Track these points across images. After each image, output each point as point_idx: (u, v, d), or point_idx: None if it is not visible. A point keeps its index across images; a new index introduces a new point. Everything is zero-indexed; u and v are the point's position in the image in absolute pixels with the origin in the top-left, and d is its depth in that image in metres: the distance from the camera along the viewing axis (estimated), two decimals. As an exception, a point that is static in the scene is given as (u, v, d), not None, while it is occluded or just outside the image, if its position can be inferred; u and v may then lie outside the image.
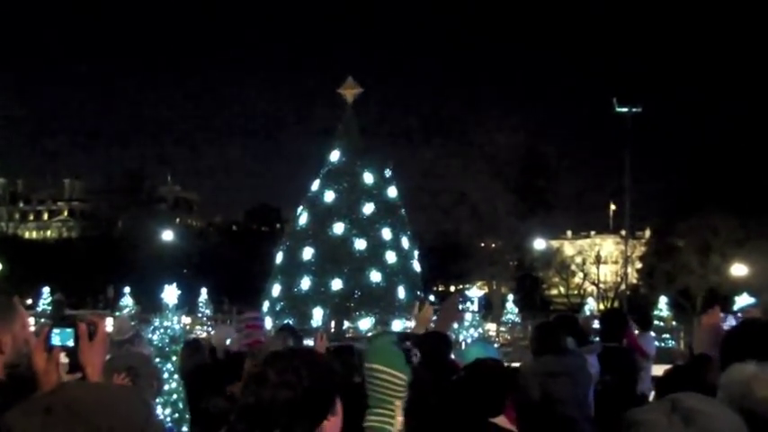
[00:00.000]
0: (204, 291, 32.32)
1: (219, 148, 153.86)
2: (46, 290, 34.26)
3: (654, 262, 45.95)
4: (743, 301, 22.73)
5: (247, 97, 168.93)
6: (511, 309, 33.41)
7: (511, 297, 35.54)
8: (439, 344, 4.64)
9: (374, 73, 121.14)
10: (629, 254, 38.22)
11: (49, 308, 32.23)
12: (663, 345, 21.29)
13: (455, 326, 17.86)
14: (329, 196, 23.72)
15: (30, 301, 32.22)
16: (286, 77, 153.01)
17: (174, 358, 9.08)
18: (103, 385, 1.93)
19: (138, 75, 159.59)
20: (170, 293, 10.66)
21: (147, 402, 1.63)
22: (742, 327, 3.40)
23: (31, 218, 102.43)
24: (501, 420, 3.60)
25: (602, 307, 46.12)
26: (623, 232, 41.06)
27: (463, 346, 13.22)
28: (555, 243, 56.68)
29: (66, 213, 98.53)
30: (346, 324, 22.00)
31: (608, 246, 67.68)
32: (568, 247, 61.16)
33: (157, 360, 9.18)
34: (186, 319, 23.84)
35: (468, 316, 19.94)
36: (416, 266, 24.16)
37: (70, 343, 2.21)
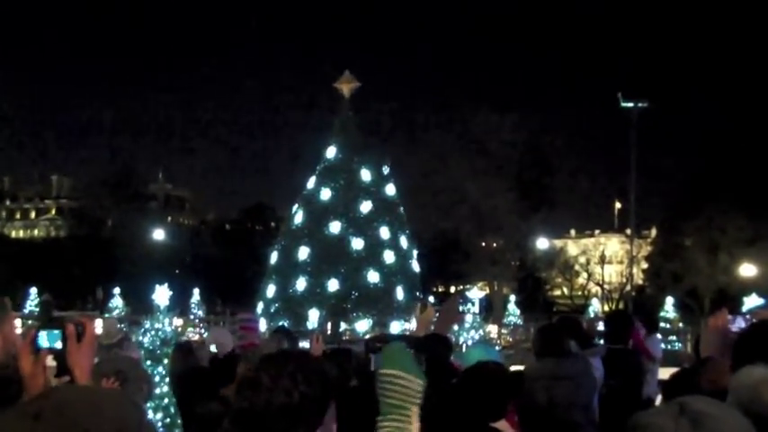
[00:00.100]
0: (196, 291, 32.31)
1: (212, 145, 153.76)
2: (33, 291, 34.27)
3: (660, 262, 45.99)
4: (752, 302, 22.80)
5: (241, 92, 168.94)
6: (512, 310, 33.42)
7: (512, 298, 35.55)
8: (438, 346, 4.64)
9: (372, 67, 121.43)
10: (634, 253, 38.27)
11: (37, 309, 32.21)
12: (669, 347, 21.30)
13: (455, 328, 17.88)
14: (325, 194, 23.73)
15: (16, 303, 32.18)
16: (282, 71, 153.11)
17: (165, 361, 9.08)
18: (94, 389, 1.93)
19: (128, 69, 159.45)
20: (161, 294, 10.67)
21: (139, 406, 1.63)
22: (752, 329, 3.41)
23: (18, 216, 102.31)
24: (502, 425, 3.60)
25: (606, 308, 46.15)
26: (628, 231, 41.14)
27: (464, 349, 13.25)
28: (558, 242, 56.69)
29: (53, 212, 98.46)
30: (343, 326, 22.01)
31: (613, 245, 67.68)
32: (572, 247, 61.23)
33: (148, 363, 9.19)
34: (178, 321, 23.79)
35: (468, 318, 19.95)
36: (415, 266, 24.18)
37: (58, 345, 2.20)
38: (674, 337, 25.02)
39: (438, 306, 5.07)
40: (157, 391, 8.18)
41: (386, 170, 24.75)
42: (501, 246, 44.58)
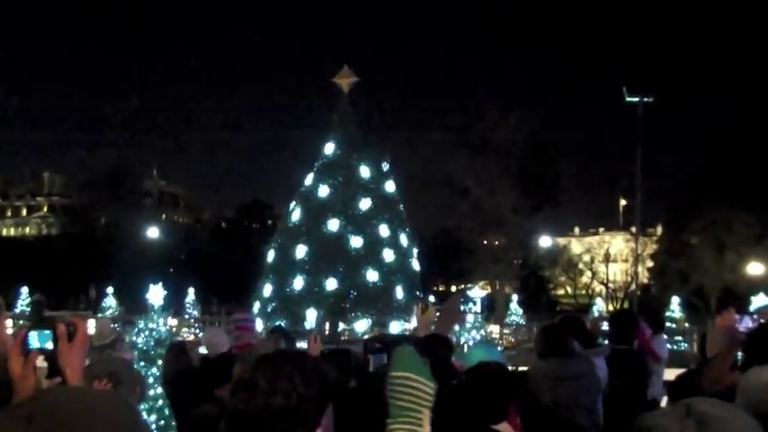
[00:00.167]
0: (191, 291, 32.35)
1: (207, 141, 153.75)
2: (24, 290, 34.26)
3: (666, 260, 46.03)
4: (760, 301, 22.84)
5: (237, 87, 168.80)
6: (515, 310, 33.45)
7: (515, 297, 35.57)
8: (439, 347, 4.64)
9: (371, 61, 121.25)
10: (639, 252, 38.25)
11: (28, 309, 32.23)
12: (675, 347, 21.32)
13: (456, 328, 17.90)
14: (323, 191, 23.72)
15: (7, 302, 32.16)
16: (279, 66, 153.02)
17: (159, 362, 9.08)
18: (88, 390, 1.93)
19: (122, 64, 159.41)
20: (155, 294, 10.68)
21: (134, 407, 1.63)
22: (761, 330, 3.41)
23: (9, 214, 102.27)
24: (504, 427, 3.60)
25: (611, 308, 46.25)
26: (634, 229, 41.07)
27: (465, 350, 13.25)
28: (562, 240, 56.77)
29: (45, 209, 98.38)
30: (341, 326, 22.01)
31: (617, 243, 67.73)
32: (576, 245, 61.28)
33: (142, 364, 9.20)
34: (172, 321, 23.83)
35: (469, 317, 19.98)
36: (415, 265, 24.17)
37: (49, 346, 2.20)
38: (681, 338, 25.05)
39: (439, 306, 5.07)
40: (151, 392, 8.19)
41: (385, 167, 24.74)
42: (503, 244, 44.58)
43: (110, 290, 32.61)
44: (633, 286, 41.13)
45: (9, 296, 32.94)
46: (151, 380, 8.56)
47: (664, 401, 7.06)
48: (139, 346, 9.74)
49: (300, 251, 22.98)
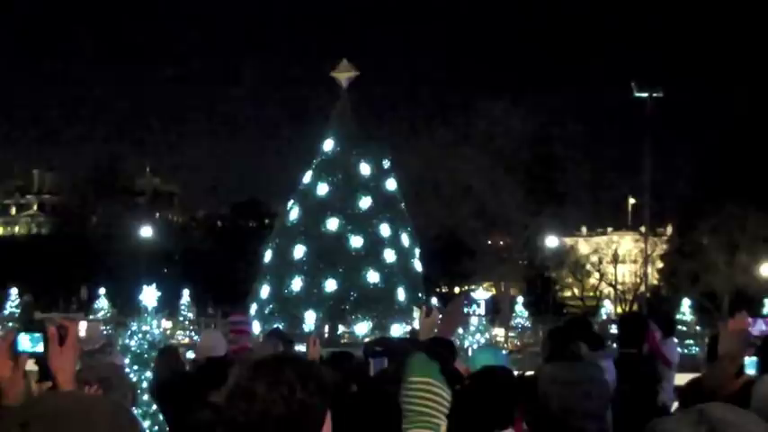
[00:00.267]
0: (186, 292, 32.36)
1: (202, 137, 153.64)
2: (14, 291, 34.30)
3: (676, 261, 45.99)
4: (773, 303, 22.83)
5: (232, 82, 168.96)
6: (521, 312, 33.50)
7: (521, 299, 35.64)
8: (442, 350, 4.63)
9: (372, 55, 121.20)
10: (649, 252, 38.27)
11: (17, 311, 32.25)
12: (686, 351, 21.33)
13: (460, 331, 17.89)
14: (322, 189, 23.73)
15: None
16: (276, 60, 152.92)
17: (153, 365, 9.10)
18: (83, 396, 1.92)
19: (113, 59, 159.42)
20: (149, 295, 10.67)
21: (132, 412, 1.63)
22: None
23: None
24: (510, 433, 3.60)
25: (619, 310, 46.22)
26: (643, 229, 41.07)
27: (469, 353, 13.24)
28: (568, 240, 56.67)
29: (35, 208, 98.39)
30: (341, 328, 22.05)
31: (626, 243, 67.57)
32: (583, 245, 61.22)
33: (135, 367, 9.20)
34: (167, 323, 23.86)
35: (474, 320, 19.96)
36: (417, 266, 24.19)
37: (39, 348, 2.20)
38: (692, 341, 25.06)
39: (442, 308, 5.07)
40: (145, 397, 8.19)
41: (386, 164, 24.73)
42: (508, 244, 44.61)
43: (102, 291, 32.68)
44: (642, 288, 41.17)
45: (-2, 297, 33.05)
46: (145, 384, 8.56)
47: (674, 407, 7.05)
48: (133, 348, 9.75)
49: (299, 251, 22.99)
